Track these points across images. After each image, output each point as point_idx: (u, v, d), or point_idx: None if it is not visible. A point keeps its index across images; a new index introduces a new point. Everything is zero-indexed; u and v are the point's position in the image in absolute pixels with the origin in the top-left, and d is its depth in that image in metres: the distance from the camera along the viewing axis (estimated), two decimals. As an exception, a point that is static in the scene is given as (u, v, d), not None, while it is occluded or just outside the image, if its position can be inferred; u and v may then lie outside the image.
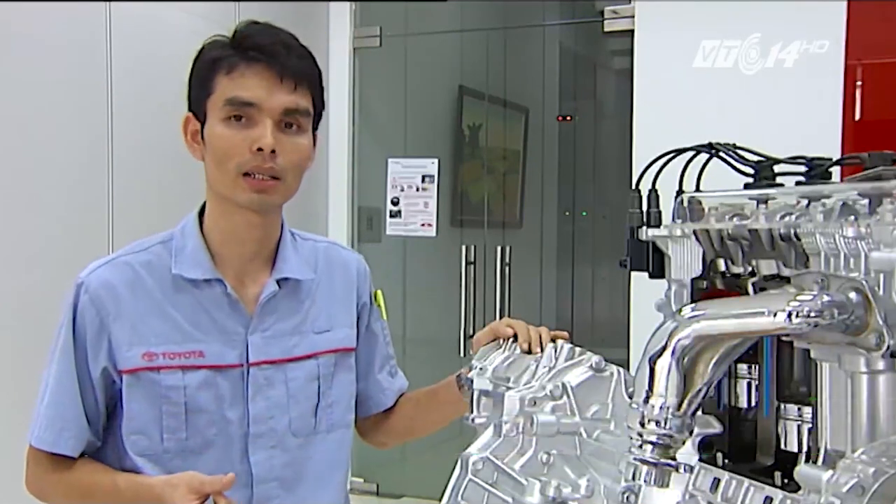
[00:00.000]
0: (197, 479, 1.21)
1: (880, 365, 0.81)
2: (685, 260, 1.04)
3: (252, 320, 1.38)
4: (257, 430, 1.37)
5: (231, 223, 1.37)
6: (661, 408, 0.83)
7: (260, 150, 1.28)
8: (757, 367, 0.98)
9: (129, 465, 1.34)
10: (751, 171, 1.04)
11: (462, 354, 3.94)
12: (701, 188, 1.09)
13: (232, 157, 1.30)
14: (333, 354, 1.46)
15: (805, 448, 0.92)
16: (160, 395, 1.33)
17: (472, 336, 1.41)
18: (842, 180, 1.01)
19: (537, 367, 1.18)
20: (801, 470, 0.82)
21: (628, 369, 1.11)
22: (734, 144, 1.05)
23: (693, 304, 0.87)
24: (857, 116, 3.09)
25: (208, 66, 1.32)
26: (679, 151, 1.08)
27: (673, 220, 1.06)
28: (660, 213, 1.11)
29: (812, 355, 0.88)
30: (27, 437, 1.38)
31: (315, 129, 1.41)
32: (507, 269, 4.06)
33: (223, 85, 1.30)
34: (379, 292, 1.58)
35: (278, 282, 1.40)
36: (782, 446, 0.95)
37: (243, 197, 1.31)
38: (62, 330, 1.35)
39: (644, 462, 0.84)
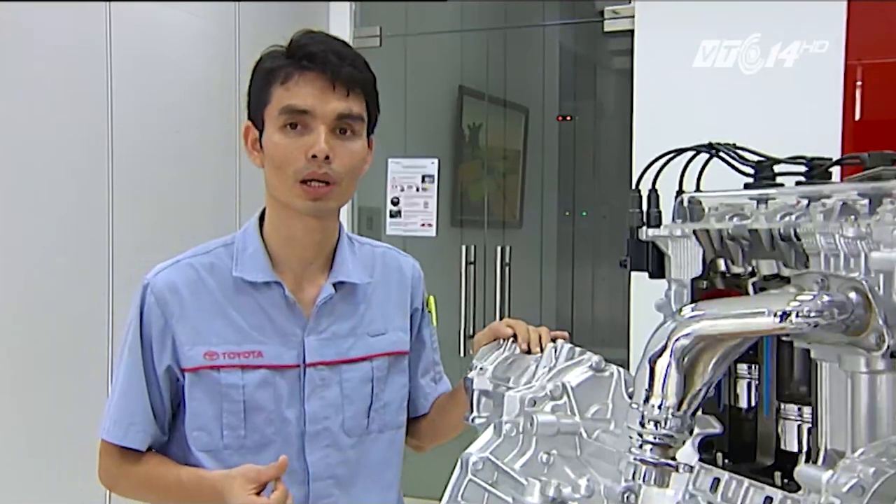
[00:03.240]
0: (253, 469, 1.27)
1: (880, 365, 0.81)
2: (685, 260, 1.04)
3: (309, 322, 1.42)
4: (313, 429, 1.42)
5: (290, 228, 1.41)
6: (661, 408, 0.83)
7: (314, 156, 1.32)
8: (757, 367, 0.98)
9: (192, 460, 1.40)
10: (751, 171, 1.04)
11: (462, 354, 3.94)
12: (701, 188, 1.09)
13: (289, 164, 1.34)
14: (387, 357, 1.49)
15: (805, 448, 0.92)
16: (220, 393, 1.38)
17: (472, 336, 1.43)
18: (842, 180, 1.01)
19: (537, 367, 1.18)
20: (801, 470, 0.82)
21: (628, 369, 1.11)
22: (734, 144, 1.05)
23: (693, 304, 0.87)
24: (857, 116, 3.09)
25: (265, 76, 1.37)
26: (679, 151, 1.08)
27: (673, 220, 1.06)
28: (660, 213, 1.11)
29: (812, 355, 0.88)
30: (99, 431, 1.44)
31: (371, 133, 1.46)
32: (507, 269, 4.06)
33: (279, 94, 1.35)
34: (431, 298, 1.62)
35: (335, 285, 1.44)
36: (782, 446, 0.95)
37: (300, 204, 1.36)
38: (130, 329, 1.41)
39: (644, 462, 0.84)
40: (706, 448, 1.01)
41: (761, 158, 1.04)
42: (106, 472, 1.45)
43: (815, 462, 0.88)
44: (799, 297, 0.81)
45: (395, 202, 4.00)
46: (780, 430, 0.95)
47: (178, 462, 1.42)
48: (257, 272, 1.41)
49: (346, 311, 1.46)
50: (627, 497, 1.02)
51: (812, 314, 0.79)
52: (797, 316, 0.80)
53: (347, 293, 1.46)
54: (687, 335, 0.82)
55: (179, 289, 1.40)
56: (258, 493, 1.24)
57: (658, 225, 1.10)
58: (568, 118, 4.64)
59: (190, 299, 1.40)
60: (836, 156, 1.00)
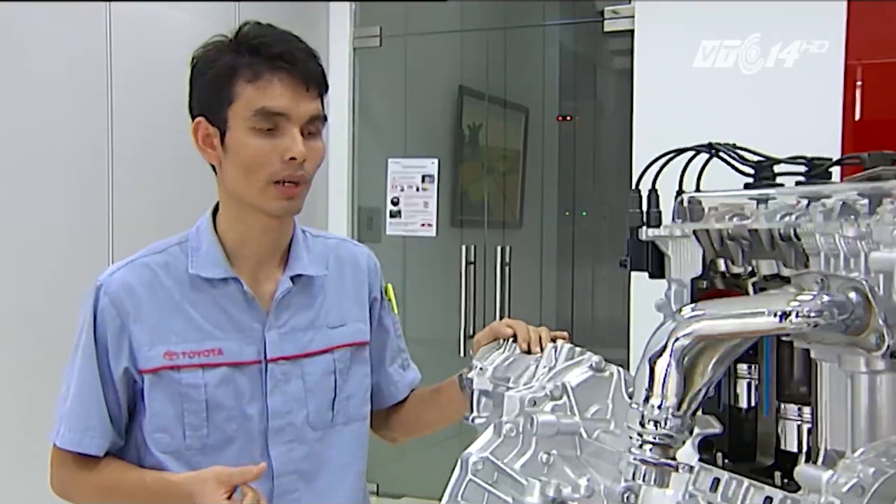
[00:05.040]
0: (225, 472, 1.25)
1: (880, 365, 0.81)
2: (685, 260, 1.04)
3: (268, 317, 1.41)
4: (276, 424, 1.41)
5: (248, 226, 1.40)
6: (660, 408, 0.83)
7: (292, 159, 1.31)
8: (757, 367, 0.98)
9: (150, 461, 1.38)
10: (751, 171, 1.04)
11: (462, 354, 3.94)
12: (701, 188, 1.08)
13: (263, 166, 1.32)
14: (348, 348, 1.49)
15: (805, 448, 0.92)
16: (181, 393, 1.36)
17: (472, 336, 1.43)
18: (842, 180, 1.01)
19: (537, 367, 1.18)
20: (801, 470, 0.82)
21: (628, 369, 1.11)
22: (734, 144, 1.05)
23: (693, 304, 0.87)
24: (857, 116, 3.09)
25: (226, 72, 1.33)
26: (679, 151, 1.08)
27: (673, 220, 1.06)
28: (660, 213, 1.11)
29: (812, 355, 0.88)
30: (50, 437, 1.40)
31: None
32: (507, 269, 4.06)
33: (248, 94, 1.32)
34: (389, 286, 1.61)
35: (292, 279, 1.43)
36: (782, 446, 0.95)
37: (273, 204, 1.34)
38: (83, 332, 1.38)
39: (644, 462, 0.84)
40: (706, 448, 1.01)
41: (761, 158, 1.03)
42: (60, 480, 1.42)
43: (815, 462, 0.87)
44: (799, 297, 0.81)
45: (395, 202, 4.00)
46: (780, 430, 0.95)
47: (134, 465, 1.39)
48: (214, 268, 1.39)
49: (305, 304, 1.45)
50: (627, 497, 1.02)
51: (812, 314, 0.79)
52: (797, 316, 0.80)
53: (304, 286, 1.45)
54: (687, 335, 0.82)
55: (135, 289, 1.38)
56: (229, 496, 1.23)
57: (658, 225, 1.10)
58: (568, 118, 4.64)
59: (146, 299, 1.38)
60: (836, 156, 1.00)
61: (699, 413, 0.91)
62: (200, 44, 1.38)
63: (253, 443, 1.39)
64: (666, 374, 0.82)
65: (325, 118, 1.39)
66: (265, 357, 1.40)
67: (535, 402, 1.07)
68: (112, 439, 1.39)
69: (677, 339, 0.82)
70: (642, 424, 0.84)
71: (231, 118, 1.33)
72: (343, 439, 1.47)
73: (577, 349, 1.18)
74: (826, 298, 0.80)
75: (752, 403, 0.99)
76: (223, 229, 1.42)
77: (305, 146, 1.33)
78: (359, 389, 1.50)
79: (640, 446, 0.84)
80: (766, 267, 0.95)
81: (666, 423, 0.83)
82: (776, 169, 1.03)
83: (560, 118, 4.64)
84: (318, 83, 1.35)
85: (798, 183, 1.00)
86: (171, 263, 1.41)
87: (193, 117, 1.38)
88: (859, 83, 3.08)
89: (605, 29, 3.63)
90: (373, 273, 1.57)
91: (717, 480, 0.98)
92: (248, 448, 1.39)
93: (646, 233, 1.09)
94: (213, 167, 1.41)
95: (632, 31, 3.49)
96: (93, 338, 1.37)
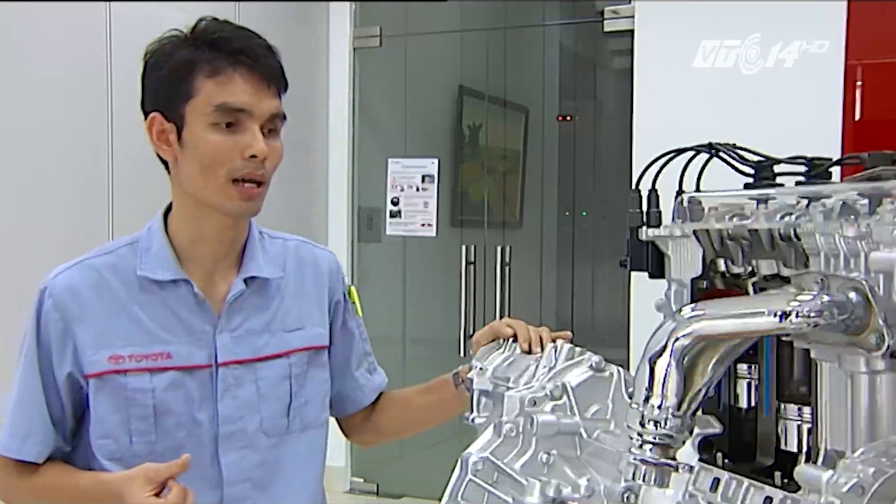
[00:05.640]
0: (152, 468, 1.20)
1: (880, 365, 0.81)
2: (685, 260, 1.04)
3: (220, 320, 1.36)
4: (227, 430, 1.36)
5: (202, 226, 1.36)
6: (660, 408, 0.83)
7: (253, 156, 1.28)
8: (757, 367, 0.98)
9: (97, 468, 1.33)
10: (751, 171, 1.03)
11: (462, 354, 3.94)
12: (701, 188, 1.08)
13: (222, 163, 1.28)
14: (306, 353, 1.43)
15: (805, 448, 0.92)
16: (127, 398, 1.32)
17: (472, 336, 1.41)
18: (842, 180, 1.01)
19: (537, 367, 1.18)
20: (801, 470, 0.82)
21: (628, 369, 1.11)
22: (734, 144, 1.05)
23: (693, 304, 0.87)
24: (857, 116, 3.09)
25: (185, 67, 1.29)
26: (679, 151, 1.08)
27: (673, 220, 1.06)
28: (660, 213, 1.11)
29: (812, 355, 0.88)
30: None
31: None
32: (507, 269, 4.07)
33: (208, 88, 1.28)
34: (353, 288, 1.56)
35: (245, 281, 1.38)
36: (782, 446, 0.95)
37: (231, 204, 1.30)
38: (26, 336, 1.35)
39: (644, 462, 0.84)
40: (706, 448, 1.01)
41: (761, 158, 1.03)
42: (1, 487, 1.38)
43: (815, 462, 0.87)
44: (799, 297, 0.81)
45: (395, 202, 4.00)
46: (780, 430, 0.95)
47: (73, 469, 1.35)
48: (163, 270, 1.34)
49: (259, 306, 1.40)
50: (627, 497, 1.02)
51: (812, 314, 0.79)
52: (797, 316, 0.80)
53: (259, 288, 1.40)
54: (687, 335, 0.82)
55: (80, 290, 1.33)
56: (158, 494, 1.18)
57: (658, 225, 1.10)
58: (568, 118, 4.65)
59: (92, 301, 1.33)
60: (836, 156, 1.00)
61: (699, 413, 0.91)
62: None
63: (203, 450, 1.34)
64: (666, 374, 0.82)
65: (285, 117, 1.35)
66: (216, 361, 1.35)
67: (535, 402, 1.07)
68: (55, 445, 1.35)
69: (677, 339, 0.82)
70: (642, 424, 0.84)
71: (189, 114, 1.29)
72: (299, 447, 1.42)
73: (577, 349, 1.18)
74: (826, 298, 0.80)
75: (752, 403, 0.99)
76: (175, 229, 1.37)
77: (266, 144, 1.29)
78: (317, 395, 1.45)
79: (640, 446, 0.84)
80: (766, 267, 0.95)
81: (666, 423, 0.83)
82: (776, 169, 1.03)
83: (560, 118, 4.64)
84: (278, 81, 1.32)
85: (798, 183, 1.00)
86: (119, 265, 1.36)
87: (146, 113, 1.34)
88: (859, 83, 3.08)
89: (605, 29, 3.64)
90: (334, 275, 1.52)
91: (717, 480, 0.98)
92: (198, 455, 1.32)
93: (646, 233, 1.09)
94: (167, 166, 1.37)
95: (632, 31, 3.50)
96: (35, 342, 1.33)
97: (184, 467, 1.20)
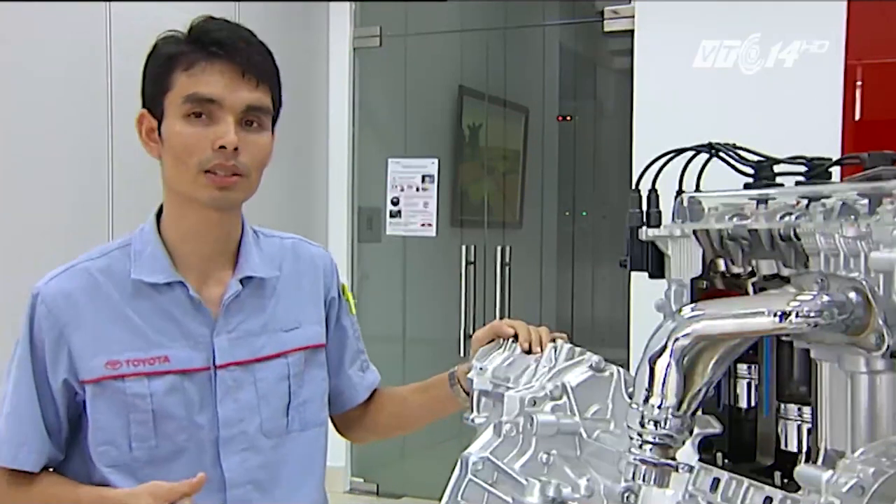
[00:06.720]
0: (161, 487, 1.18)
1: (880, 365, 0.81)
2: (685, 260, 1.04)
3: (217, 322, 1.35)
4: (228, 433, 1.34)
5: (189, 222, 1.34)
6: (660, 408, 0.83)
7: (223, 147, 1.26)
8: (757, 367, 0.98)
9: (98, 476, 1.31)
10: (751, 171, 1.03)
11: (462, 354, 3.94)
12: (701, 188, 1.08)
13: (193, 154, 1.26)
14: (303, 352, 1.42)
15: (805, 448, 0.92)
16: (126, 403, 1.30)
17: (472, 336, 1.40)
18: (842, 180, 1.01)
19: (537, 367, 1.18)
20: (801, 470, 0.82)
21: (628, 369, 1.11)
22: (734, 144, 1.05)
23: (693, 304, 0.87)
24: (857, 116, 3.09)
25: (165, 61, 1.29)
26: (679, 151, 1.08)
27: (673, 220, 1.06)
28: (660, 213, 1.11)
29: (812, 355, 0.88)
30: None
31: (273, 126, 1.37)
32: (507, 269, 4.07)
33: (182, 81, 1.27)
34: (346, 286, 1.55)
35: (241, 281, 1.37)
36: (782, 446, 0.95)
37: (204, 194, 1.28)
38: (19, 343, 1.33)
39: (644, 462, 0.84)
40: (706, 448, 1.01)
41: (761, 158, 1.03)
42: None
43: (815, 462, 0.87)
44: (799, 297, 0.81)
45: (395, 202, 4.00)
46: (780, 430, 0.95)
47: (80, 480, 1.33)
48: (157, 273, 1.32)
49: (256, 307, 1.38)
50: (627, 497, 1.02)
51: (812, 314, 0.79)
52: (797, 316, 0.80)
53: (256, 288, 1.38)
54: (687, 335, 0.82)
55: (73, 295, 1.31)
56: None
57: (658, 225, 1.10)
58: (568, 118, 4.65)
59: (86, 306, 1.31)
60: (836, 156, 1.00)
61: (699, 413, 0.91)
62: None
63: (204, 453, 1.33)
64: (666, 374, 0.82)
65: (273, 111, 1.33)
66: (214, 364, 1.34)
67: (535, 402, 1.07)
68: (50, 453, 1.32)
69: (677, 339, 0.82)
70: (642, 424, 0.84)
71: (167, 107, 1.29)
72: (300, 446, 1.41)
73: (577, 349, 1.18)
74: (826, 298, 0.80)
75: (752, 403, 0.99)
76: (167, 229, 1.36)
77: (242, 137, 1.27)
78: (315, 394, 1.44)
79: (640, 446, 0.84)
80: (766, 267, 0.95)
81: (666, 423, 0.83)
82: (776, 169, 1.03)
83: (560, 118, 4.65)
84: (258, 72, 1.29)
85: (798, 183, 1.00)
86: (112, 268, 1.34)
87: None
88: (859, 83, 3.08)
89: (605, 29, 3.64)
90: (329, 273, 1.50)
91: (717, 480, 0.98)
92: (199, 459, 1.32)
93: (646, 233, 1.09)
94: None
95: (632, 31, 3.50)
96: (28, 348, 1.31)
97: (198, 486, 1.17)
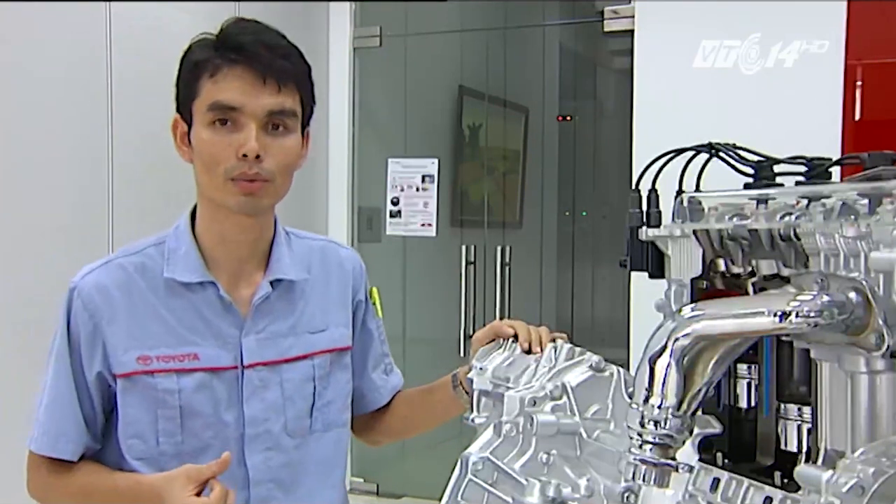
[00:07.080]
0: (194, 469, 1.22)
1: (880, 365, 0.81)
2: (685, 260, 1.04)
3: (246, 322, 1.37)
4: (253, 432, 1.37)
5: (222, 226, 1.36)
6: (660, 408, 0.83)
7: (245, 155, 1.27)
8: (757, 367, 0.98)
9: (127, 468, 1.34)
10: (751, 171, 1.04)
11: (462, 354, 3.94)
12: (701, 188, 1.08)
13: (219, 162, 1.29)
14: (329, 354, 1.45)
15: (805, 448, 0.92)
16: (155, 398, 1.33)
17: (472, 336, 1.41)
18: (842, 180, 1.01)
19: (537, 367, 1.18)
20: (801, 470, 0.82)
21: (628, 369, 1.11)
22: (734, 144, 1.05)
23: (693, 304, 0.87)
24: (857, 116, 3.09)
25: (192, 67, 1.31)
26: (679, 151, 1.08)
27: (673, 220, 1.06)
28: (660, 213, 1.11)
29: (812, 355, 0.88)
30: (27, 442, 1.38)
31: (306, 126, 1.40)
32: (507, 269, 4.06)
33: (208, 88, 1.29)
34: (374, 290, 1.57)
35: (272, 283, 1.39)
36: (782, 446, 0.95)
37: (232, 201, 1.30)
38: (57, 335, 1.36)
39: (644, 462, 0.84)
40: (706, 448, 1.01)
41: (761, 158, 1.03)
42: (36, 484, 1.39)
43: (815, 462, 0.87)
44: (799, 297, 0.81)
45: (395, 202, 4.00)
46: (780, 430, 0.95)
47: (112, 468, 1.36)
48: (190, 272, 1.35)
49: (285, 309, 1.41)
50: (627, 497, 1.02)
51: (812, 314, 0.79)
52: (797, 316, 0.80)
53: (285, 290, 1.41)
54: (687, 335, 0.82)
55: (110, 290, 1.34)
56: (199, 493, 1.20)
57: (658, 225, 1.10)
58: (568, 118, 4.65)
59: (121, 301, 1.34)
60: (836, 156, 1.00)
61: (699, 413, 0.91)
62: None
63: (229, 451, 1.31)
64: (666, 374, 0.82)
65: (300, 113, 1.35)
66: (242, 363, 1.37)
67: (535, 402, 1.07)
68: (87, 443, 1.36)
69: (677, 339, 0.82)
70: (642, 424, 0.84)
71: (195, 114, 1.31)
72: (322, 446, 1.44)
73: (577, 349, 1.18)
74: (826, 298, 0.80)
75: (752, 403, 0.99)
76: (200, 230, 1.38)
77: (266, 143, 1.28)
78: (339, 395, 1.46)
79: (640, 446, 0.84)
80: (766, 267, 0.95)
81: (666, 423, 0.83)
82: (776, 169, 1.03)
83: (560, 118, 4.64)
84: (280, 76, 1.29)
85: (798, 183, 1.00)
86: (147, 265, 1.37)
87: None
88: (859, 83, 3.08)
89: (605, 29, 3.63)
90: (358, 276, 1.53)
91: (717, 480, 0.98)
92: None
93: (646, 233, 1.09)
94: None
95: (632, 31, 3.49)
96: (66, 341, 1.34)
97: (225, 465, 1.21)
